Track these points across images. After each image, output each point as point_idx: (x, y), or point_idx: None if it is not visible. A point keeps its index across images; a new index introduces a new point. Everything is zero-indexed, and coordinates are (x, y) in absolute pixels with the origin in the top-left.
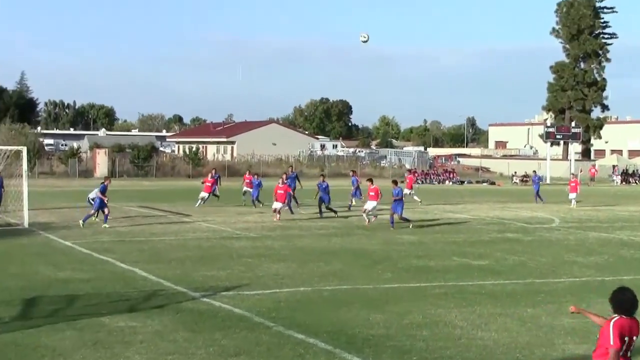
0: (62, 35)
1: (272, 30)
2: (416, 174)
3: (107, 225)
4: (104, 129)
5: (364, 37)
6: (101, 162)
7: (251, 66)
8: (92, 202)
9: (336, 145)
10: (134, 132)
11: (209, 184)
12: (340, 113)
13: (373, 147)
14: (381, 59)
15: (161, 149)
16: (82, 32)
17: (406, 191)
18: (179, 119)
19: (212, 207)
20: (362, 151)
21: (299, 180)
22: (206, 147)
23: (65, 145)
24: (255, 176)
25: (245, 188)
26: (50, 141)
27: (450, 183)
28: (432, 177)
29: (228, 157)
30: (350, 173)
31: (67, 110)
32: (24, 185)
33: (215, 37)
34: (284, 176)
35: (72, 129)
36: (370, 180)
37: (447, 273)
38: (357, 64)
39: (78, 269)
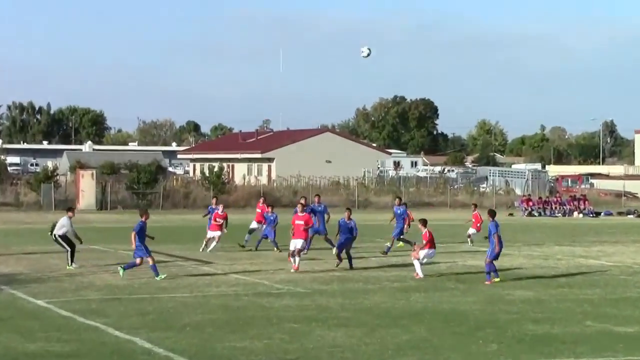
0: (27, 18)
1: (327, 4)
2: (530, 203)
3: (72, 267)
4: (90, 142)
5: (365, 52)
6: (87, 189)
7: (297, 54)
8: (60, 241)
9: (416, 163)
10: (133, 145)
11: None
12: (421, 117)
13: (468, 164)
14: (479, 43)
15: (170, 169)
16: (56, 10)
17: (471, 231)
18: (194, 128)
19: (238, 251)
20: (452, 170)
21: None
22: (233, 165)
23: (37, 165)
24: (270, 209)
25: (254, 224)
26: (16, 159)
27: (581, 215)
28: (553, 206)
29: (264, 179)
30: (396, 201)
31: (38, 117)
32: None
33: (245, 12)
34: (301, 205)
35: (45, 142)
36: (424, 222)
37: (579, 344)
38: (444, 49)
39: (55, 338)
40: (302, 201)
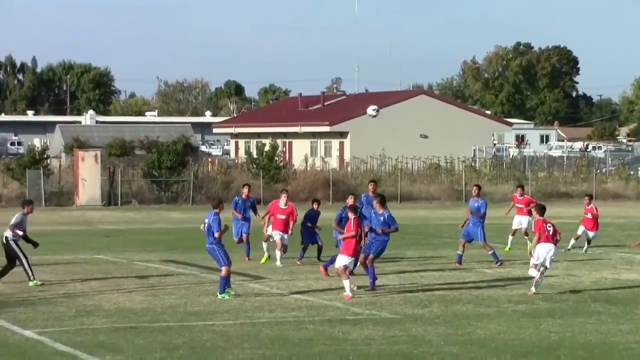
0: None
1: None
2: None
3: (37, 282)
4: (92, 112)
5: (374, 112)
6: (89, 176)
7: None
8: (13, 247)
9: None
10: (151, 116)
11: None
12: (554, 73)
13: (622, 139)
14: None
15: (203, 148)
16: None
17: (590, 234)
18: (235, 90)
19: (298, 263)
20: (599, 147)
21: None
22: (290, 143)
23: (19, 143)
24: (316, 205)
25: (270, 231)
26: None
27: None
28: None
29: (333, 162)
30: (474, 190)
31: (20, 77)
32: None
33: None
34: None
35: (30, 113)
36: (540, 209)
37: None
38: None
39: None
40: (350, 200)
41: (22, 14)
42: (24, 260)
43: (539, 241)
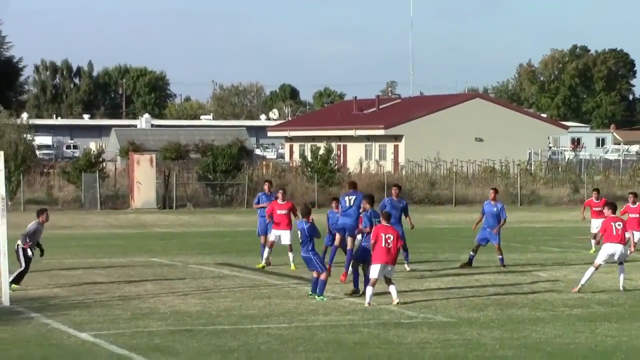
0: None
1: None
2: None
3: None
4: (147, 116)
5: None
6: (144, 180)
7: None
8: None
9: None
10: (206, 119)
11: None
12: (610, 76)
13: None
14: None
15: (258, 151)
16: None
17: (637, 235)
18: (290, 94)
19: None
20: None
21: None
22: (345, 146)
23: (75, 147)
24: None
25: (275, 232)
26: (47, 139)
27: None
28: None
29: (388, 165)
30: (491, 194)
31: (76, 81)
32: (0, 225)
33: None
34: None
35: (86, 116)
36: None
37: None
38: None
39: None
40: (280, 194)
41: (78, 19)
42: (21, 268)
43: (605, 240)
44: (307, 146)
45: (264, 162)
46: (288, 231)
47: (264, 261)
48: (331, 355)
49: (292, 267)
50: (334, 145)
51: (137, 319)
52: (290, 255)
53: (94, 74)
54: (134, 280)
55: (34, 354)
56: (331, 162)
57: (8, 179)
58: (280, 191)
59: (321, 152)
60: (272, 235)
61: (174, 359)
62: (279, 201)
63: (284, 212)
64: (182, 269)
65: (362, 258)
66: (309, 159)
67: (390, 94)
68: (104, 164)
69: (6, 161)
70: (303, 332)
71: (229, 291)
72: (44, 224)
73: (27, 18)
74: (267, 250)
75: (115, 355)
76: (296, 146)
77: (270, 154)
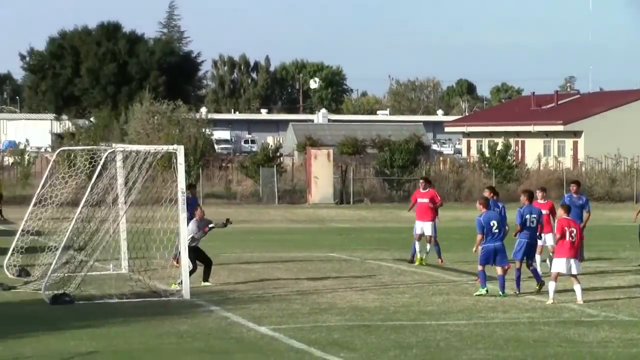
0: None
1: None
2: None
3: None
4: (324, 111)
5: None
6: (321, 174)
7: None
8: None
9: None
10: (383, 114)
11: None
12: None
13: None
14: None
15: (435, 147)
16: None
17: None
18: (467, 89)
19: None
20: None
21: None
22: (523, 142)
23: (252, 142)
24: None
25: (418, 224)
26: (225, 134)
27: None
28: None
29: (567, 161)
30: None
31: (254, 76)
32: (180, 219)
33: None
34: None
35: (264, 111)
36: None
37: None
38: None
39: None
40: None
41: (255, 14)
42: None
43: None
44: (485, 142)
45: (440, 158)
46: (430, 222)
47: (417, 256)
48: (510, 353)
49: (420, 260)
50: (511, 141)
51: (316, 313)
52: (428, 246)
53: (271, 68)
54: (313, 275)
55: (215, 347)
56: (509, 158)
57: (187, 173)
58: (422, 180)
59: (499, 147)
60: (417, 228)
61: (353, 354)
62: (421, 189)
63: (424, 200)
64: (360, 264)
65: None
66: (487, 155)
67: (568, 90)
68: (281, 158)
69: (186, 155)
70: (482, 329)
71: (407, 287)
72: (201, 219)
73: (205, 13)
74: (416, 244)
75: (294, 349)
76: (473, 142)
77: (447, 150)
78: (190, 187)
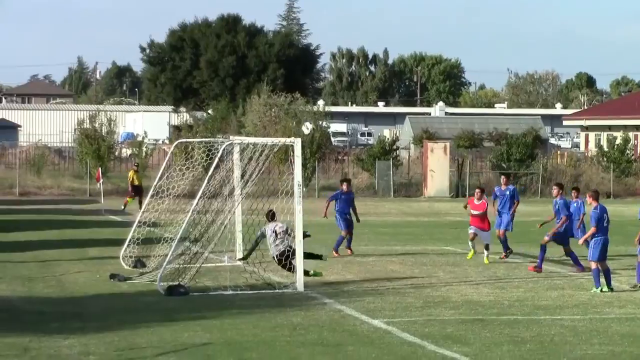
0: None
1: None
2: None
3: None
4: (441, 104)
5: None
6: (438, 168)
7: None
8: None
9: None
10: (500, 108)
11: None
12: None
13: None
14: None
15: (552, 140)
16: None
17: None
18: (587, 83)
19: None
20: None
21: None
22: None
23: (369, 134)
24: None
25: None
26: (342, 127)
27: None
28: None
29: None
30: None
31: (372, 68)
32: (295, 212)
33: None
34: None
35: (381, 104)
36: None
37: None
38: None
39: None
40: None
41: (375, 7)
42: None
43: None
44: (603, 135)
45: (558, 152)
46: (486, 232)
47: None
48: (626, 348)
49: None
50: (631, 135)
51: (429, 307)
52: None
53: (389, 61)
54: (427, 269)
55: (328, 340)
56: (628, 152)
57: (304, 165)
58: (477, 191)
59: (618, 141)
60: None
61: (466, 348)
62: (475, 201)
63: (476, 213)
64: (474, 258)
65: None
66: (605, 149)
67: None
68: (397, 151)
69: (303, 148)
70: (597, 325)
71: (521, 281)
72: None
73: (325, 6)
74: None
75: (407, 342)
76: (592, 135)
77: (565, 143)
78: (347, 181)
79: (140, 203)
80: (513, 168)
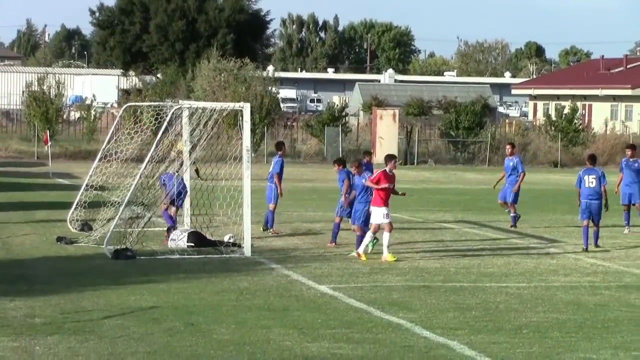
0: None
1: None
2: None
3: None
4: (391, 71)
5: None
6: (386, 135)
7: None
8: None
9: None
10: (450, 76)
11: None
12: None
13: None
14: None
15: (501, 109)
16: None
17: None
18: (536, 52)
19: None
20: None
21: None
22: (590, 106)
23: (318, 101)
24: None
25: None
26: (291, 93)
27: None
28: None
29: (635, 126)
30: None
31: (322, 35)
32: (244, 177)
33: None
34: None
35: (331, 70)
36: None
37: None
38: None
39: (344, 338)
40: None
41: None
42: None
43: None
44: (552, 105)
45: (507, 120)
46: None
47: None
48: (570, 316)
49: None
50: (579, 104)
51: (376, 273)
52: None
53: (340, 28)
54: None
55: (275, 304)
56: (576, 121)
57: (253, 131)
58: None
59: (566, 111)
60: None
61: (412, 315)
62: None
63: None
64: (422, 226)
65: None
66: (553, 118)
67: (638, 54)
68: (346, 118)
69: (251, 113)
70: (542, 292)
71: (468, 249)
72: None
73: None
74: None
75: (354, 308)
76: (540, 105)
77: (514, 112)
78: (369, 153)
79: None
80: (461, 136)
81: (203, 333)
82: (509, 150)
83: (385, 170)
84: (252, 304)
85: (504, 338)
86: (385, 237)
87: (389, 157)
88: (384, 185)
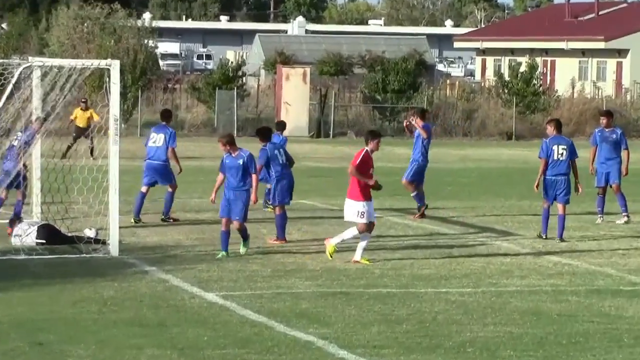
0: None
1: None
2: None
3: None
4: (300, 19)
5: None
6: (294, 100)
7: None
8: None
9: None
10: (375, 25)
11: None
12: None
13: None
14: None
15: (441, 67)
16: None
17: None
18: None
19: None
20: None
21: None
22: (554, 62)
23: (209, 57)
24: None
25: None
26: (174, 47)
27: None
28: None
29: (608, 87)
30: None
31: None
32: (110, 155)
33: None
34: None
35: (224, 19)
36: None
37: None
38: None
39: (236, 357)
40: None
41: None
42: None
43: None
44: (505, 61)
45: (448, 81)
46: None
47: None
48: (527, 330)
49: None
50: (538, 60)
51: (280, 277)
52: None
53: None
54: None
55: (148, 318)
56: (535, 82)
57: (123, 95)
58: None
59: (522, 69)
60: None
61: (326, 329)
62: None
63: None
64: (340, 214)
65: None
66: (507, 78)
67: None
68: (244, 79)
69: (122, 73)
70: (492, 300)
71: (398, 244)
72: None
73: None
74: None
75: (250, 322)
76: (490, 61)
77: (457, 71)
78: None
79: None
80: (390, 101)
81: (55, 355)
82: (604, 121)
83: (367, 149)
84: (119, 318)
85: (442, 358)
86: (362, 238)
87: (372, 135)
88: (366, 178)
